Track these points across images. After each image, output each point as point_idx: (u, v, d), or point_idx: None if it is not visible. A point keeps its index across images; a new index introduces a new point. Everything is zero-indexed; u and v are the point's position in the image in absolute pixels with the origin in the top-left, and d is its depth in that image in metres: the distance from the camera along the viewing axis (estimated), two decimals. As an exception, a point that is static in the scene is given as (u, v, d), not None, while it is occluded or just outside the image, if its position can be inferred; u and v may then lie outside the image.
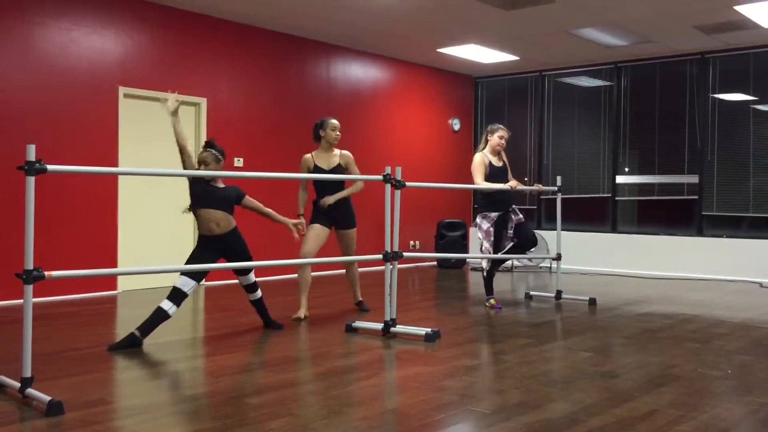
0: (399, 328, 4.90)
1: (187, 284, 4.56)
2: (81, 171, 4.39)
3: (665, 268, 9.05)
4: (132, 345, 4.39)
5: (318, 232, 5.63)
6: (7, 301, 6.03)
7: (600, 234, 9.78)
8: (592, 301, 6.51)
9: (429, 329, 4.76)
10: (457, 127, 10.81)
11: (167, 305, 4.50)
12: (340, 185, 5.69)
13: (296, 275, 5.85)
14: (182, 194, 4.97)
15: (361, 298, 6.07)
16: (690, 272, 8.86)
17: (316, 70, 8.79)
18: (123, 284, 6.97)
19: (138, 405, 3.28)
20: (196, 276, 4.60)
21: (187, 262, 4.69)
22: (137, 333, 4.42)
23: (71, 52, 6.58)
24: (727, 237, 8.87)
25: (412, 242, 9.93)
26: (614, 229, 9.80)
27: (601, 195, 9.92)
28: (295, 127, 8.37)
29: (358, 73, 9.35)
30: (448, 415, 3.14)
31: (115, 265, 6.81)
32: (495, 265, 6.35)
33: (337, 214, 5.73)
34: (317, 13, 7.51)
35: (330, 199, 5.64)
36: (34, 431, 2.92)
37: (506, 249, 6.19)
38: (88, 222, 6.67)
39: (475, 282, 8.19)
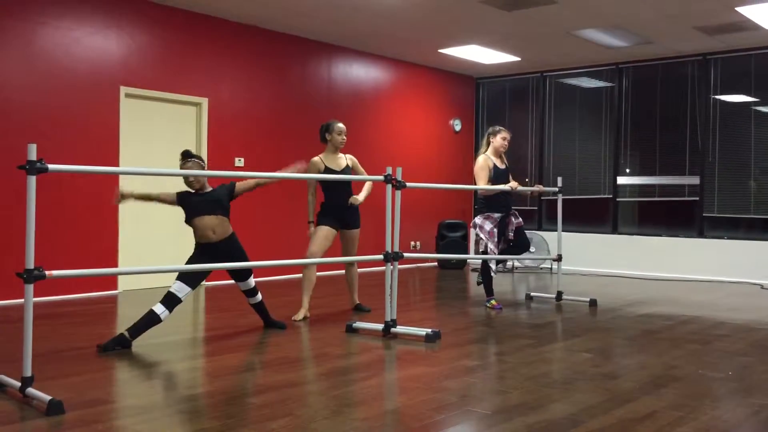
0: (399, 329, 4.89)
1: (182, 290, 4.54)
2: (82, 170, 4.39)
3: (666, 269, 9.05)
4: (120, 345, 4.36)
5: (327, 234, 5.62)
6: (7, 300, 6.03)
7: (601, 235, 9.78)
8: (593, 302, 6.51)
9: (429, 330, 4.76)
10: (458, 127, 10.80)
11: (160, 309, 4.48)
12: (349, 186, 5.72)
13: (298, 275, 5.85)
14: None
15: (358, 301, 6.06)
16: (691, 273, 8.86)
17: (317, 70, 8.79)
18: (123, 284, 6.98)
19: (138, 404, 3.27)
20: (192, 282, 4.58)
21: None
22: (127, 334, 4.40)
23: (73, 51, 6.58)
24: (727, 238, 8.86)
25: (412, 243, 9.93)
26: (615, 231, 9.80)
27: (602, 196, 9.92)
28: (297, 128, 8.38)
29: (359, 73, 9.35)
30: (449, 416, 3.14)
31: (115, 265, 6.81)
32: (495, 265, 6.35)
33: (348, 215, 5.74)
34: (318, 13, 7.51)
35: (360, 198, 5.69)
36: (35, 431, 2.92)
37: (502, 250, 6.20)
38: (88, 221, 6.67)
39: (476, 283, 8.17)
